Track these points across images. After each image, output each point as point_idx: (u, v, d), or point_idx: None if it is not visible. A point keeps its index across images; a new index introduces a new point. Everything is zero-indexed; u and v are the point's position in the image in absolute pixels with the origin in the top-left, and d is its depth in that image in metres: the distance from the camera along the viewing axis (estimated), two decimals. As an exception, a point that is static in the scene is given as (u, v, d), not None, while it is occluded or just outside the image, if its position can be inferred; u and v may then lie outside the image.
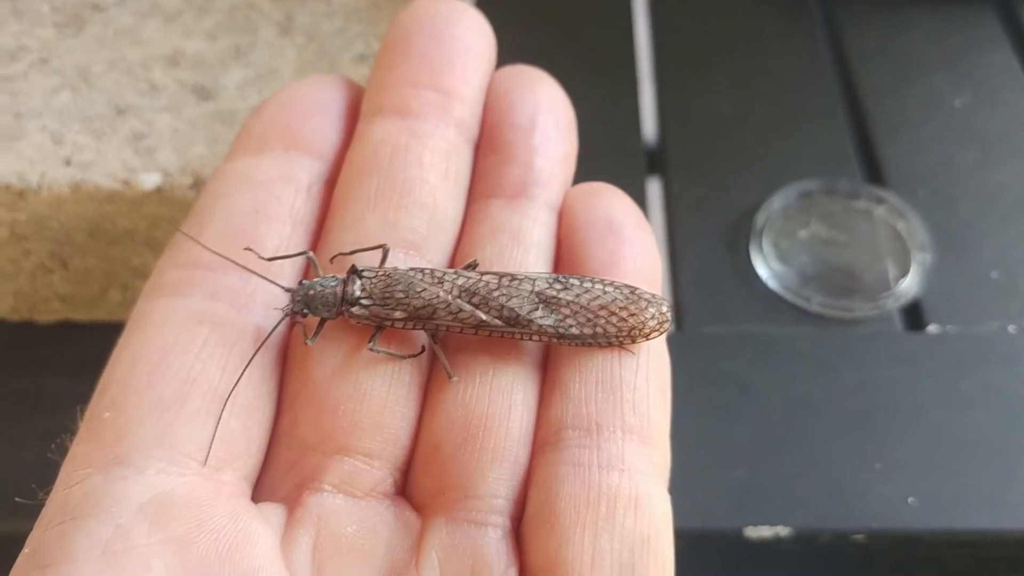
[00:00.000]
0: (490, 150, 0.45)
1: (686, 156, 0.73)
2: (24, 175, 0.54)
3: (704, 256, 0.66)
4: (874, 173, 0.71)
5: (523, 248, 0.42)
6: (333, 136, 0.45)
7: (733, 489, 0.55)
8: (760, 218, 0.67)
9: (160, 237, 0.56)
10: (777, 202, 0.68)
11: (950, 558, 0.54)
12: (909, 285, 0.64)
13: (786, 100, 0.77)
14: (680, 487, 0.55)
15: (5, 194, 0.54)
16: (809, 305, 0.63)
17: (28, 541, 0.34)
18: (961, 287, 0.64)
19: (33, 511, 0.36)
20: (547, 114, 0.46)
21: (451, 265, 0.43)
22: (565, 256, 0.43)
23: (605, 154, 0.73)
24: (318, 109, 0.45)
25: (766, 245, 0.65)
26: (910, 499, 0.54)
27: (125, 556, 0.32)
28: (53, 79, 0.59)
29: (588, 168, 0.72)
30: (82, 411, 0.38)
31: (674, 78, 0.79)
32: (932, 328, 0.62)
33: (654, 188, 0.74)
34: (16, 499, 0.37)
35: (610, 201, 0.44)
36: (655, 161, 0.75)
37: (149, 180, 0.54)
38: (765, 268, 0.64)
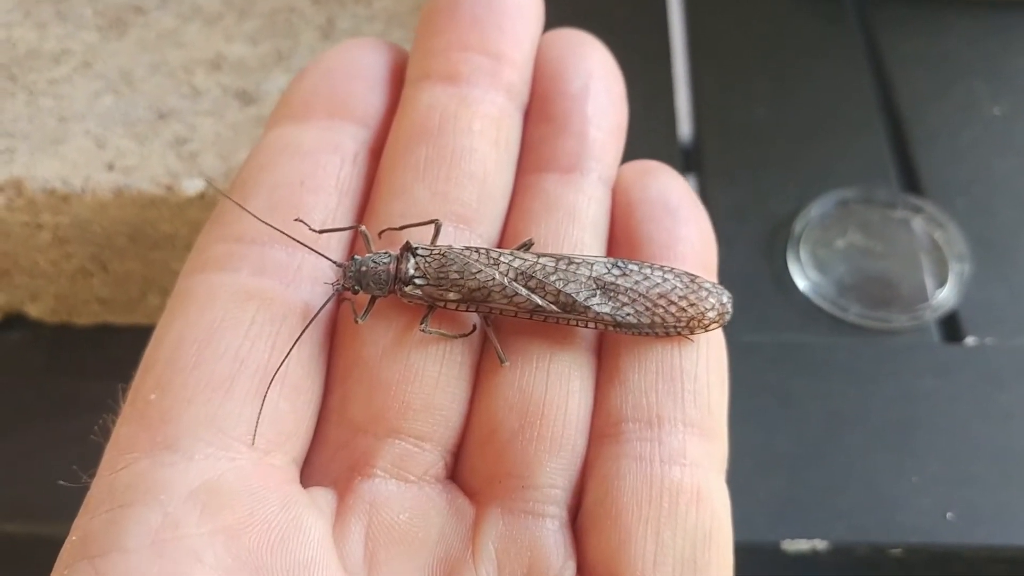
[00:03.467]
0: (541, 119, 0.44)
1: (722, 161, 0.73)
2: (68, 179, 0.54)
3: (741, 263, 0.66)
4: (911, 181, 0.71)
5: (579, 226, 0.41)
6: (378, 102, 0.43)
7: (771, 501, 0.55)
8: (798, 226, 0.67)
9: (202, 242, 0.56)
10: (815, 211, 0.67)
11: (988, 574, 0.54)
12: (947, 296, 0.64)
13: (823, 105, 0.76)
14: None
15: (50, 198, 0.54)
16: (846, 315, 0.63)
17: (74, 527, 0.33)
18: (1000, 298, 0.64)
19: (68, 513, 0.36)
20: (599, 82, 0.44)
21: (501, 238, 0.42)
22: (620, 236, 0.42)
23: (641, 154, 0.72)
24: (362, 74, 0.43)
25: (803, 254, 0.65)
26: (948, 514, 0.54)
27: (175, 546, 0.32)
28: (96, 83, 0.59)
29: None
30: (124, 391, 0.37)
31: (710, 81, 0.79)
32: (970, 340, 0.62)
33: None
34: (59, 481, 0.37)
35: (666, 180, 0.43)
36: (690, 160, 0.75)
37: (192, 186, 0.54)
38: (803, 277, 0.64)
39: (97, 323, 0.62)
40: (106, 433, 0.36)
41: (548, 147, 0.43)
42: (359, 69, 0.44)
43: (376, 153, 0.42)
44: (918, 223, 0.68)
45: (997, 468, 0.56)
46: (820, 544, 0.53)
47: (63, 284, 0.59)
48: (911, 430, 0.58)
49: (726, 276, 0.65)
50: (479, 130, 0.41)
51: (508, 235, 0.42)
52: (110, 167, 0.55)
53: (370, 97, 0.43)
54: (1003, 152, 0.72)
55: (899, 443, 0.57)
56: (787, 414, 0.58)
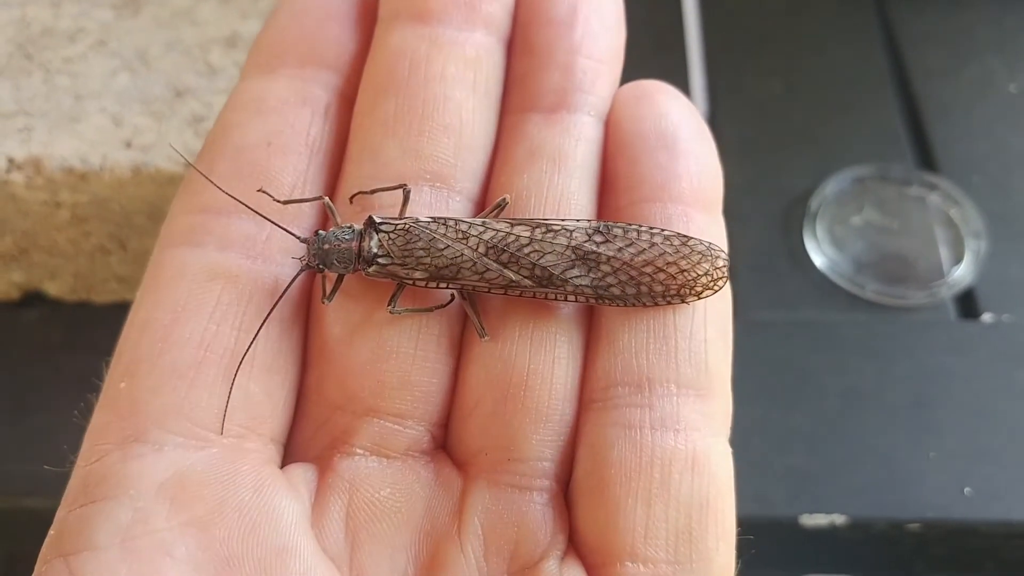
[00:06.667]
0: (524, 52, 0.39)
1: (737, 138, 0.73)
2: (86, 158, 0.54)
3: (757, 240, 0.66)
4: (926, 158, 0.71)
5: (564, 174, 0.37)
6: (350, 44, 0.40)
7: (789, 476, 0.55)
8: (814, 204, 0.66)
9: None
10: (831, 188, 0.67)
11: (1006, 549, 0.55)
12: (963, 273, 0.64)
13: (838, 82, 0.76)
14: (736, 474, 0.55)
15: (68, 176, 0.54)
16: (863, 292, 0.63)
17: (55, 521, 0.33)
18: (1016, 275, 0.64)
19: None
20: (590, 2, 0.39)
21: (484, 192, 0.38)
22: (611, 177, 0.38)
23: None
24: (334, 14, 0.40)
25: (820, 231, 0.65)
26: (966, 489, 0.54)
27: (145, 542, 0.31)
28: (112, 61, 0.59)
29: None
30: (107, 365, 0.36)
31: (724, 58, 0.78)
32: (986, 317, 0.62)
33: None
34: (45, 466, 0.36)
35: (662, 105, 0.38)
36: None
37: (210, 164, 0.54)
38: (819, 254, 0.64)
39: (115, 301, 0.62)
40: (89, 412, 0.35)
41: (531, 84, 0.39)
42: (330, 8, 0.40)
43: (351, 101, 0.39)
44: (934, 200, 0.67)
45: (1014, 444, 0.56)
46: (838, 519, 0.53)
47: (82, 262, 0.60)
48: (928, 406, 0.58)
49: (742, 252, 0.66)
50: (453, 75, 0.38)
51: (493, 186, 0.38)
52: (128, 145, 0.55)
53: (342, 39, 0.40)
54: (1019, 129, 0.72)
55: (916, 419, 0.57)
56: (804, 390, 0.58)
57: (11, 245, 0.58)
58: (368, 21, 0.40)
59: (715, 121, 0.74)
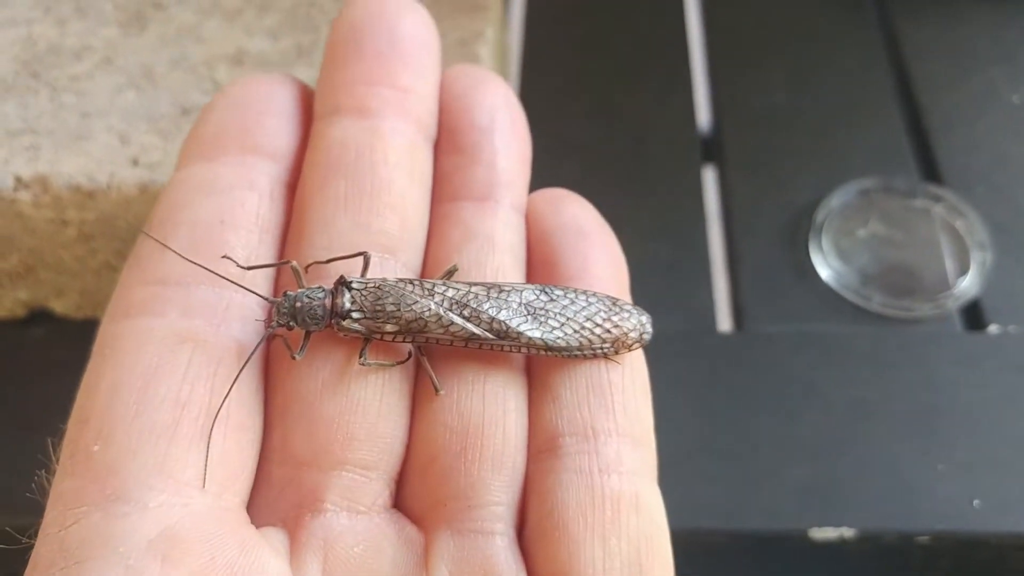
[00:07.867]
0: (452, 150, 0.45)
1: (742, 150, 0.73)
2: (93, 176, 0.54)
3: (763, 253, 0.66)
4: (931, 169, 0.71)
5: (499, 253, 0.42)
6: (288, 137, 0.44)
7: (797, 489, 0.55)
8: (819, 216, 0.67)
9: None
10: (836, 200, 0.67)
11: (1015, 561, 0.55)
12: (969, 285, 0.64)
13: (842, 94, 0.76)
14: (744, 488, 0.56)
15: (75, 194, 0.54)
16: (869, 304, 0.63)
17: None
18: (1021, 286, 0.64)
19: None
20: (504, 115, 0.45)
21: (423, 267, 0.43)
22: (537, 261, 0.44)
23: (660, 143, 0.73)
24: (271, 109, 0.44)
25: (826, 243, 0.65)
26: (975, 501, 0.54)
27: None
28: (118, 78, 0.59)
29: (644, 157, 0.72)
30: (54, 444, 0.36)
31: (728, 70, 0.79)
32: (992, 328, 0.62)
33: (708, 176, 0.74)
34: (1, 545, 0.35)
35: (577, 207, 0.44)
36: (710, 149, 0.75)
37: (217, 181, 0.54)
38: (825, 267, 0.64)
39: (121, 318, 0.62)
40: (42, 491, 0.35)
41: (461, 177, 0.44)
42: (267, 104, 0.44)
43: (290, 188, 0.43)
44: (938, 212, 0.68)
45: (1023, 455, 0.56)
46: (847, 532, 0.53)
47: (88, 280, 0.60)
48: (936, 418, 0.58)
49: (748, 265, 0.66)
50: (395, 162, 0.42)
51: (429, 264, 0.43)
52: (134, 163, 0.55)
53: (281, 132, 0.43)
54: (1021, 139, 0.72)
55: (924, 431, 0.57)
56: (811, 403, 0.58)
57: (18, 263, 0.58)
58: (301, 117, 0.44)
59: (720, 134, 0.74)
